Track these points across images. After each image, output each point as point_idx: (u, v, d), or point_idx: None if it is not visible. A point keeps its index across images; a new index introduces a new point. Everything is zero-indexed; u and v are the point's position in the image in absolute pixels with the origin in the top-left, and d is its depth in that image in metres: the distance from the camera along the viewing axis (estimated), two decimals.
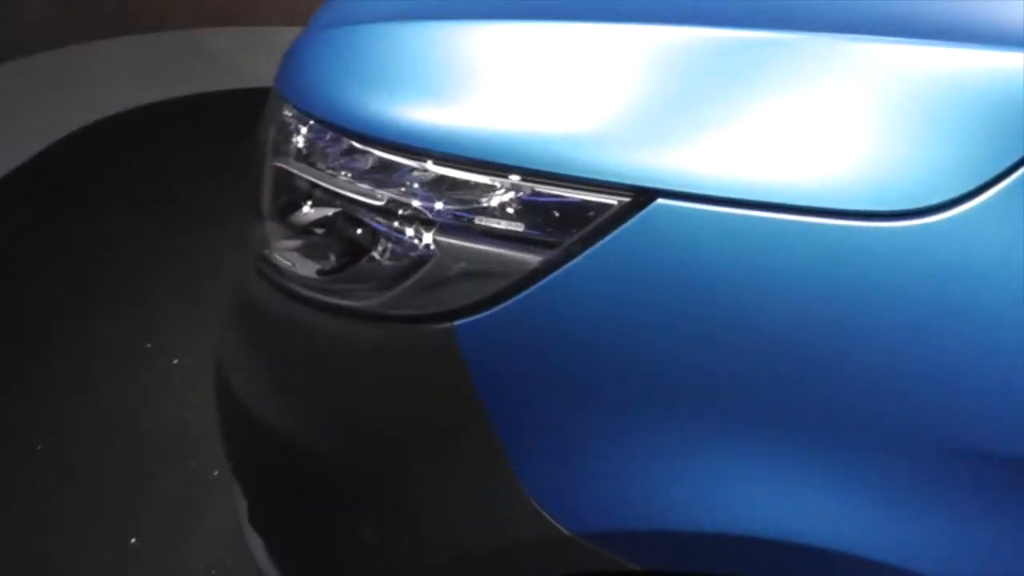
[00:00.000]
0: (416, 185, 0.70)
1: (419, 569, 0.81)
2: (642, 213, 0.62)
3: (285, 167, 0.81)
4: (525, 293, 0.66)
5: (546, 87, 0.66)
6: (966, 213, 0.57)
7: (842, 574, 0.65)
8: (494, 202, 0.67)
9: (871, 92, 0.59)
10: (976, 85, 0.58)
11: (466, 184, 0.68)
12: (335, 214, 0.78)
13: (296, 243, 0.83)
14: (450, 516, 0.77)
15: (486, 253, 0.67)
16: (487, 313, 0.67)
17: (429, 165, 0.69)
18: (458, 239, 0.68)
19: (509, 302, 0.66)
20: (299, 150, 0.80)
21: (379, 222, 0.72)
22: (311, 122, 0.78)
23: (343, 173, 0.75)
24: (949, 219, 0.58)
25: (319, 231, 0.82)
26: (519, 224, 0.66)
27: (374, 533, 0.84)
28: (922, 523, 0.62)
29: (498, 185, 0.67)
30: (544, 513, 0.71)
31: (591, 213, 0.64)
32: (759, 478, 0.65)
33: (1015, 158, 0.57)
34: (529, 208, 0.66)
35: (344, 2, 0.89)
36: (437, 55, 0.72)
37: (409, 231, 0.70)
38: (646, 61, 0.64)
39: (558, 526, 0.71)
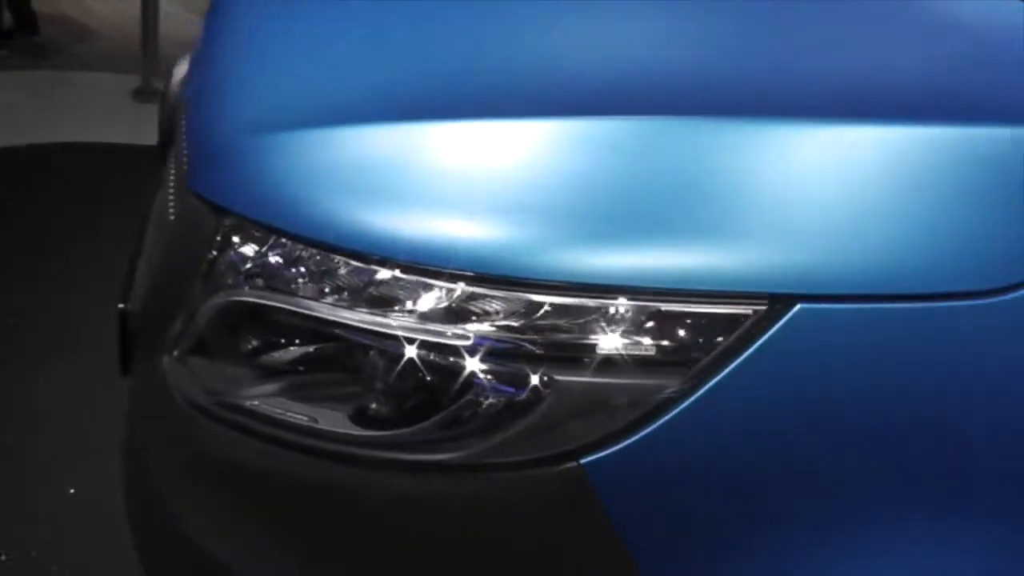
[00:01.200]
0: (505, 316, 0.60)
1: None
2: (785, 319, 0.59)
3: (252, 300, 0.66)
4: (664, 419, 0.60)
5: (646, 191, 0.60)
6: None
7: None
8: (612, 327, 0.60)
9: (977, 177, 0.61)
10: None
11: (574, 309, 0.60)
12: (359, 351, 0.65)
13: (276, 386, 0.68)
14: None
15: (611, 385, 0.60)
16: (620, 446, 0.61)
17: (523, 294, 0.60)
18: (575, 373, 0.60)
19: (645, 431, 0.60)
20: (280, 277, 0.65)
21: (453, 362, 0.61)
22: (291, 243, 0.64)
23: (384, 308, 0.62)
24: None
25: (301, 370, 0.68)
26: (647, 348, 0.60)
27: None
28: None
29: (613, 308, 0.60)
30: None
31: (726, 325, 0.60)
32: None
33: None
34: (656, 329, 0.60)
35: (264, 87, 0.73)
36: (479, 157, 0.61)
37: (506, 369, 0.61)
38: (769, 159, 0.60)
39: None
